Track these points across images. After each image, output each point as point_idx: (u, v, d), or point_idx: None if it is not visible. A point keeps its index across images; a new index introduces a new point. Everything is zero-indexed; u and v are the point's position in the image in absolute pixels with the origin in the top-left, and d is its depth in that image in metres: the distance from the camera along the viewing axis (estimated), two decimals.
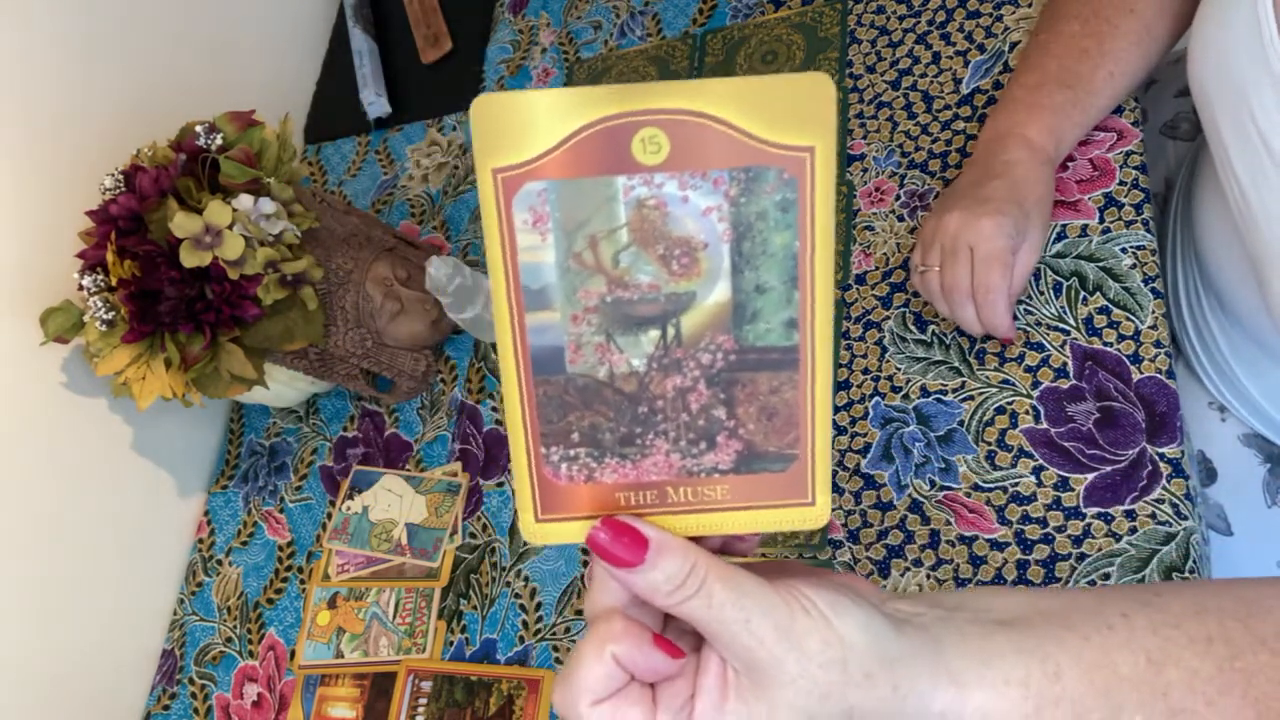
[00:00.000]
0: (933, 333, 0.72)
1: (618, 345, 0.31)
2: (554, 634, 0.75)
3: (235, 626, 0.89)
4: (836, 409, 0.72)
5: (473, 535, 0.82)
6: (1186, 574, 0.58)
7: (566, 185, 0.29)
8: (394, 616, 0.81)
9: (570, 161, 0.29)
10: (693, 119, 0.29)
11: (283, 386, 0.89)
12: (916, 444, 0.69)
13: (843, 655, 0.31)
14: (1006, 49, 0.79)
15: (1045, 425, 0.65)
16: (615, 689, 0.32)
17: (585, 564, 0.76)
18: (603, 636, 0.32)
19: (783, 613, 0.31)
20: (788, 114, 0.29)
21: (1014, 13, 0.80)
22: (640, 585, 0.32)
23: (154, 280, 0.74)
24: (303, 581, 0.87)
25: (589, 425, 0.32)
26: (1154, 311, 0.65)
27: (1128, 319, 0.66)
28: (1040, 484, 0.64)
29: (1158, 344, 0.64)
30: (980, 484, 0.66)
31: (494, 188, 0.29)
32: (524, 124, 0.29)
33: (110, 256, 0.75)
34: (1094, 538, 0.61)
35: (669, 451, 0.33)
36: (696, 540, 0.33)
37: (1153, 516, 0.60)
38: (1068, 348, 0.67)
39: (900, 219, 0.76)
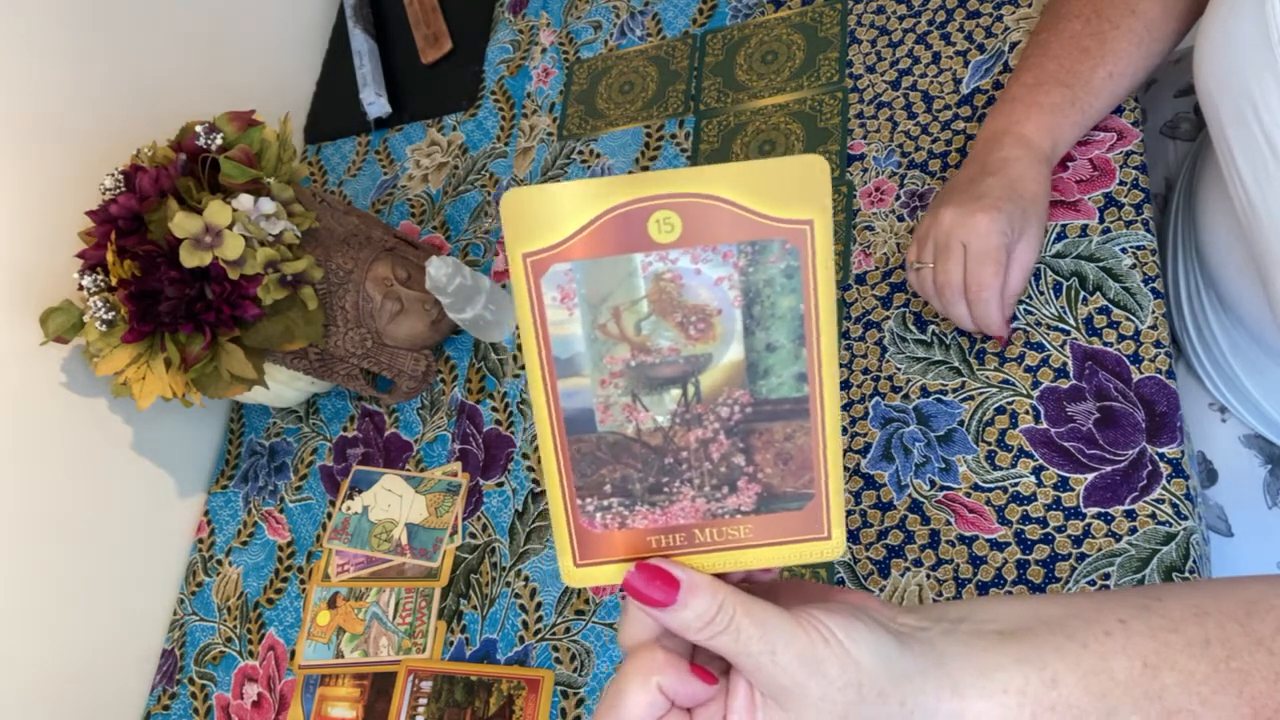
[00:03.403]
0: (933, 333, 0.72)
1: (643, 404, 0.35)
2: (554, 634, 0.75)
3: (235, 626, 0.89)
4: None
5: (473, 535, 0.82)
6: (1186, 574, 0.58)
7: (590, 264, 0.32)
8: (394, 616, 0.81)
9: (593, 243, 0.32)
10: (702, 200, 0.32)
11: (283, 386, 0.89)
12: (916, 444, 0.69)
13: (858, 678, 0.34)
14: (1006, 49, 0.79)
15: (1045, 425, 0.65)
16: (658, 716, 0.35)
17: None
18: (647, 667, 0.35)
19: (803, 642, 0.33)
20: (788, 192, 0.32)
21: (1014, 13, 0.80)
22: (673, 623, 0.34)
23: (154, 280, 0.74)
24: (303, 581, 0.87)
25: (620, 477, 0.35)
26: (1154, 311, 0.65)
27: (1128, 319, 0.66)
28: (1040, 484, 0.64)
29: (1158, 344, 0.64)
30: (980, 484, 0.66)
31: (524, 270, 0.32)
32: (549, 213, 0.32)
33: (110, 256, 0.75)
34: (1094, 538, 0.61)
35: (694, 497, 0.36)
36: (721, 575, 0.36)
37: (1153, 516, 0.60)
38: (1068, 348, 0.67)
39: (900, 219, 0.76)
